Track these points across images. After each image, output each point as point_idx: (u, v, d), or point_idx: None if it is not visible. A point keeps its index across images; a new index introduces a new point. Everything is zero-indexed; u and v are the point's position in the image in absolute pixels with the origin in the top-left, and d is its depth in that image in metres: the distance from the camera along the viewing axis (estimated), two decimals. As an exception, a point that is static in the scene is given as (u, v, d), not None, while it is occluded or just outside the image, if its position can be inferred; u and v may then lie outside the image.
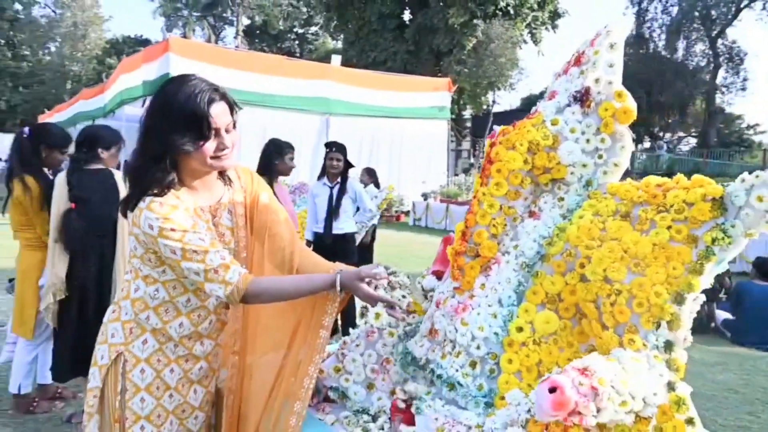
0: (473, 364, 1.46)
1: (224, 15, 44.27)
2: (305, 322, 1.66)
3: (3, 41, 44.65)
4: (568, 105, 1.57)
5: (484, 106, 28.45)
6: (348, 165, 5.03)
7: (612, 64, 1.52)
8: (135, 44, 41.45)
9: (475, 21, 23.36)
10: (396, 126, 18.38)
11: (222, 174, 1.67)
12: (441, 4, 24.34)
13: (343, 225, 5.01)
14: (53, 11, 46.06)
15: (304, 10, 40.86)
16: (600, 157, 1.54)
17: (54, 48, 46.22)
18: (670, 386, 1.25)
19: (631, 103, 1.51)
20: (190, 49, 16.00)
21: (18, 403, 3.42)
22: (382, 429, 1.53)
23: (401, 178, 18.00)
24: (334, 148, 4.97)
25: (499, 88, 24.84)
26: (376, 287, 1.51)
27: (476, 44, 23.48)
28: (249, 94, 15.95)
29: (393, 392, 1.69)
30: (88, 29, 45.90)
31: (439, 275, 1.77)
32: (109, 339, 1.60)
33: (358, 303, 1.66)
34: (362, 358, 1.76)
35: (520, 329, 1.42)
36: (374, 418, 1.61)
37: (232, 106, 1.56)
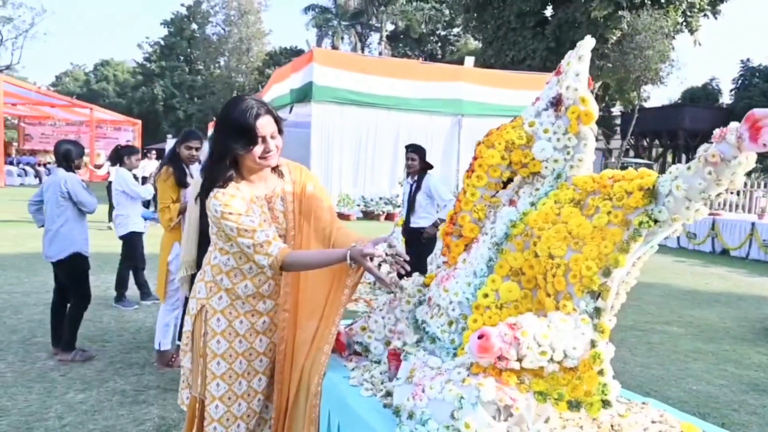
0: (450, 323, 1.78)
1: (370, 23, 46.27)
2: (335, 284, 2.10)
3: (182, 58, 50.94)
4: (545, 109, 1.81)
5: (636, 102, 26.77)
6: (426, 165, 5.40)
7: (578, 73, 1.74)
8: (290, 55, 44.84)
9: (620, 13, 22.17)
10: (530, 125, 18.12)
11: (275, 169, 2.16)
12: (584, -3, 23.44)
13: (418, 220, 5.39)
14: (223, 29, 51.48)
15: (447, 12, 41.40)
16: (568, 153, 1.77)
17: (223, 62, 51.63)
18: (593, 344, 1.48)
19: (592, 107, 1.72)
20: (331, 58, 17.22)
21: (159, 357, 4.27)
22: (382, 372, 1.91)
23: (534, 178, 17.73)
24: (410, 149, 5.40)
25: (645, 83, 23.28)
26: (379, 265, 1.91)
27: (620, 37, 22.27)
28: (384, 98, 16.80)
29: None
30: (252, 43, 50.68)
31: (449, 255, 2.10)
32: (197, 295, 2.16)
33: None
34: (383, 320, 2.15)
35: (486, 295, 1.71)
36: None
37: (277, 119, 2.04)
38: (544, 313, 1.67)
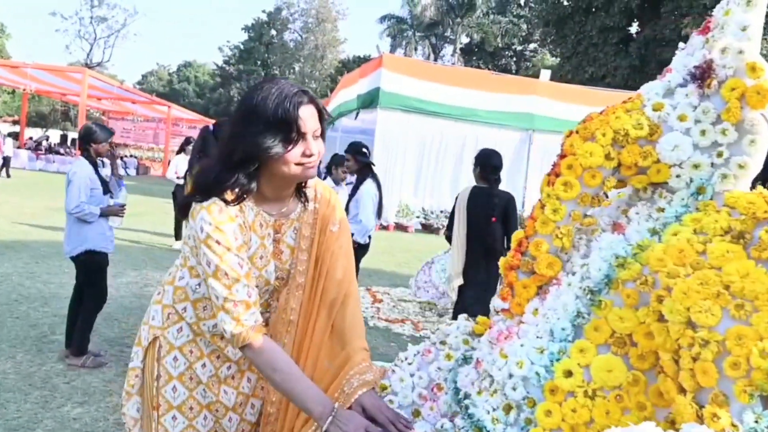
0: (507, 408, 1.15)
1: (445, 35, 45.83)
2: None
3: (259, 62, 52.29)
4: (682, 85, 1.15)
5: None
6: (364, 165, 4.96)
7: (745, 27, 1.08)
8: (363, 63, 44.93)
9: (714, 30, 20.58)
10: (608, 145, 16.99)
11: (299, 192, 1.55)
12: (675, 13, 21.96)
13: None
14: (300, 36, 52.56)
15: (524, 27, 40.37)
16: (720, 155, 1.10)
17: (297, 68, 52.67)
18: (770, 499, 0.81)
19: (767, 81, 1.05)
20: (401, 65, 16.81)
21: None
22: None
23: (608, 201, 16.54)
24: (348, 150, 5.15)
25: (739, 106, 21.42)
26: None
27: (713, 56, 20.66)
28: (452, 108, 16.19)
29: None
30: (326, 51, 51.53)
31: (513, 295, 1.46)
32: (150, 321, 1.58)
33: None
34: (412, 380, 1.53)
35: (569, 373, 1.07)
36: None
37: (321, 113, 1.42)
38: (669, 414, 1.01)
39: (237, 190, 1.38)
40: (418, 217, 16.06)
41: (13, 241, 8.10)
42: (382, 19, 44.73)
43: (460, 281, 4.11)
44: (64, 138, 33.80)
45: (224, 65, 54.10)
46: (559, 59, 29.77)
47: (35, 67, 24.87)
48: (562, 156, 1.23)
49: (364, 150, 5.04)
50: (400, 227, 15.47)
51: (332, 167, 5.53)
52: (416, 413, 1.50)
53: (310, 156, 1.38)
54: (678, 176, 1.14)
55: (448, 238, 4.45)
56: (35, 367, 3.82)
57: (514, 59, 44.00)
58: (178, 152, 9.21)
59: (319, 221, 1.57)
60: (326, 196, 1.61)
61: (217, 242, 1.35)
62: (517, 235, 1.29)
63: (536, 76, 23.13)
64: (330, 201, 1.61)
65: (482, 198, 4.06)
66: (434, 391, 1.50)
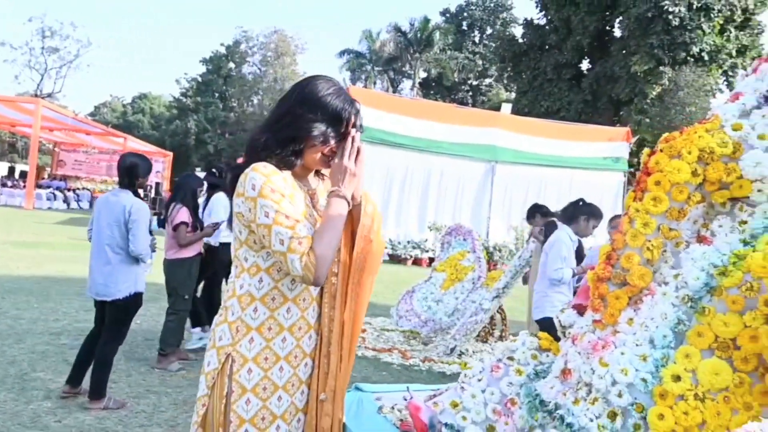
0: (612, 415, 1.18)
1: (403, 69, 46.85)
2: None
3: (217, 94, 52.02)
4: (757, 107, 1.26)
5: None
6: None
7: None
8: (322, 96, 45.20)
9: (661, 68, 21.79)
10: (565, 176, 17.61)
11: (317, 172, 1.73)
12: (623, 51, 23.20)
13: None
14: (259, 69, 52.66)
15: (480, 62, 41.72)
16: (800, 170, 1.20)
17: (256, 101, 52.62)
18: None
19: None
20: (366, 97, 17.04)
21: None
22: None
23: (569, 230, 17.02)
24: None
25: (686, 140, 22.60)
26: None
27: (661, 92, 21.82)
28: (417, 140, 16.48)
29: (517, 440, 1.45)
30: (285, 84, 51.74)
31: (580, 310, 1.52)
32: (217, 343, 1.56)
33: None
34: (483, 396, 1.55)
35: (677, 378, 1.12)
36: (490, 466, 1.38)
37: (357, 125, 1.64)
38: (776, 413, 1.07)
39: (281, 155, 1.54)
40: (385, 248, 16.12)
41: (-27, 276, 7.70)
42: (341, 53, 45.42)
43: None
44: (11, 170, 32.53)
45: (181, 97, 53.59)
46: (514, 94, 30.85)
47: (-17, 97, 24.03)
48: (647, 173, 1.30)
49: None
50: (368, 258, 15.42)
51: None
52: (491, 429, 1.52)
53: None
54: (759, 191, 1.23)
55: None
56: (21, 405, 3.62)
57: (471, 93, 45.28)
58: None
59: None
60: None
61: (272, 190, 1.46)
62: (604, 248, 1.35)
63: (492, 109, 23.88)
64: None
65: None
66: (508, 406, 1.53)
